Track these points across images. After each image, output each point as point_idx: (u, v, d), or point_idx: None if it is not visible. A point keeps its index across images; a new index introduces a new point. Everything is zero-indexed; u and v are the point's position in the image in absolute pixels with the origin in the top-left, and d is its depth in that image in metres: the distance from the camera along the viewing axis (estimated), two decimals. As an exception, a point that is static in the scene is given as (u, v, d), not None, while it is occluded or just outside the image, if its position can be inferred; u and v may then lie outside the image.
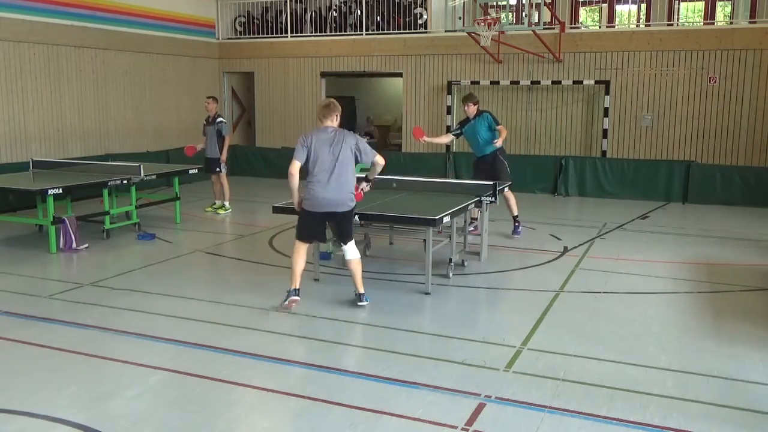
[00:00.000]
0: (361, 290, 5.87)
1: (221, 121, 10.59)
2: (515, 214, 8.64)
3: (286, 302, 5.67)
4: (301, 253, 5.81)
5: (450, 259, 6.86)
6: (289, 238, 8.72)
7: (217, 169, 10.51)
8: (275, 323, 5.41)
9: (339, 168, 5.61)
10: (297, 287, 5.75)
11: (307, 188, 5.69)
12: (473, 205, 7.90)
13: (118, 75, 13.32)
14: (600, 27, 14.48)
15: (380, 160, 5.85)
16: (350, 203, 5.76)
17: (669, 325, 5.51)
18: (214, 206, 10.78)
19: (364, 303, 5.84)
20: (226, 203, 10.70)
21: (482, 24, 11.64)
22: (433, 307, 6.03)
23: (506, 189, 8.17)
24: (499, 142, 8.32)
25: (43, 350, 4.86)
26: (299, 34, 15.58)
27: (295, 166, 5.64)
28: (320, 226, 5.88)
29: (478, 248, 7.64)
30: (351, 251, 5.90)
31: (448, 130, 14.24)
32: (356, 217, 6.21)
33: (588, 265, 7.44)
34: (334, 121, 5.74)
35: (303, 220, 5.82)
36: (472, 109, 8.53)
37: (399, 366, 4.57)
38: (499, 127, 8.40)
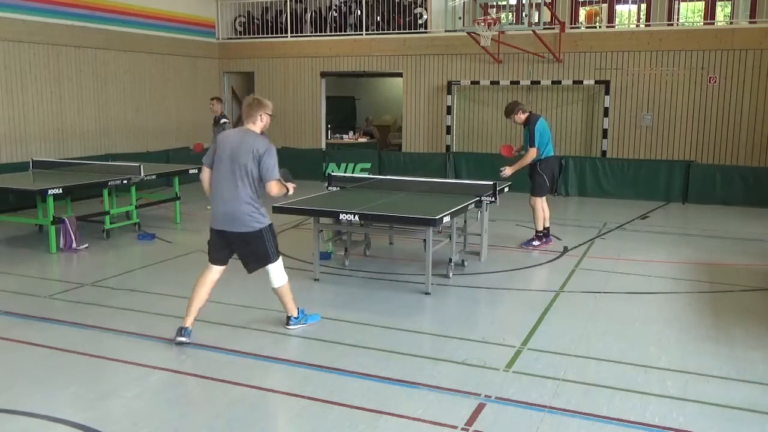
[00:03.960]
0: (293, 312, 5.25)
1: (225, 122, 10.58)
2: (538, 229, 8.23)
3: (174, 338, 4.93)
4: (203, 277, 5.01)
5: (450, 259, 6.86)
6: (289, 237, 8.73)
7: None
8: (275, 323, 5.40)
9: (236, 177, 4.75)
10: (186, 326, 4.94)
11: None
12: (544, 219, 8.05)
13: (118, 75, 13.32)
14: (600, 27, 14.47)
15: (272, 189, 4.80)
16: (249, 222, 4.82)
17: (669, 325, 5.51)
18: None
19: (293, 326, 5.25)
20: None
21: (482, 24, 11.65)
22: (433, 307, 6.03)
23: (536, 201, 8.09)
24: (506, 172, 7.93)
25: (43, 350, 4.86)
26: (299, 34, 15.58)
27: (204, 173, 4.97)
28: (221, 246, 4.96)
29: (478, 248, 7.64)
30: (273, 276, 5.07)
31: (448, 130, 14.32)
32: (356, 216, 6.20)
33: (588, 265, 7.44)
34: (255, 122, 4.90)
35: (210, 236, 5.05)
36: (519, 118, 8.07)
37: (399, 366, 4.57)
38: (530, 150, 7.93)
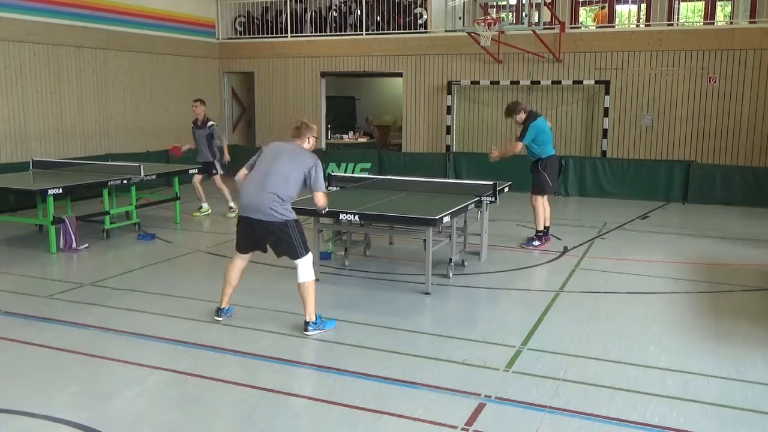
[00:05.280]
0: (311, 317, 5.21)
1: (212, 125, 10.44)
2: (539, 229, 8.26)
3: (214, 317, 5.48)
4: (232, 264, 5.44)
5: (450, 259, 6.86)
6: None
7: (214, 171, 10.33)
8: (275, 323, 5.41)
9: (272, 175, 5.07)
10: (222, 306, 5.47)
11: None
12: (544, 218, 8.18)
13: (118, 75, 13.32)
14: (600, 27, 14.48)
15: (319, 200, 5.24)
16: (276, 214, 5.05)
17: (669, 325, 5.51)
18: (201, 210, 10.45)
19: (312, 331, 5.18)
20: (204, 204, 10.42)
21: (482, 24, 11.66)
22: (433, 307, 6.03)
23: (537, 199, 8.16)
24: (494, 153, 8.14)
25: (43, 350, 4.86)
26: (299, 34, 15.58)
27: (240, 172, 5.34)
28: (250, 234, 5.23)
29: (478, 248, 7.64)
30: (300, 272, 5.18)
31: (448, 130, 14.32)
32: (356, 216, 6.20)
33: (588, 265, 7.44)
34: (303, 143, 5.37)
35: (237, 225, 5.35)
36: (520, 118, 8.10)
37: (399, 366, 4.57)
38: (516, 143, 8.11)
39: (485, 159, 13.06)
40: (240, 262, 5.41)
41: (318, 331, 5.21)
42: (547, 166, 8.16)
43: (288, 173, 5.10)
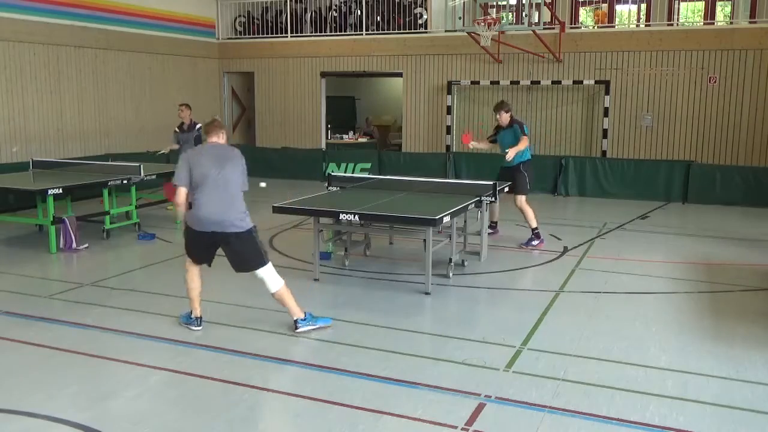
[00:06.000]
0: (299, 315, 5.19)
1: (200, 126, 10.52)
2: (534, 226, 8.31)
3: (186, 325, 5.34)
4: (190, 272, 5.28)
5: (450, 259, 6.86)
6: (289, 237, 8.74)
7: None
8: (275, 323, 5.40)
9: (230, 187, 5.02)
10: (200, 314, 5.30)
11: (193, 205, 5.08)
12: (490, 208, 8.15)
13: (118, 75, 13.33)
14: (600, 27, 14.48)
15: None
16: (240, 223, 5.01)
17: (669, 325, 5.51)
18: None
19: (303, 328, 5.17)
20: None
21: (482, 24, 11.66)
22: (433, 307, 6.03)
23: (521, 200, 8.21)
24: (510, 154, 7.99)
25: (43, 350, 4.86)
26: (299, 34, 15.58)
27: (182, 194, 5.05)
28: (206, 245, 5.16)
29: (478, 248, 7.64)
30: (269, 281, 5.12)
31: (448, 130, 14.32)
32: (356, 216, 6.20)
33: (588, 265, 7.44)
34: (220, 138, 5.24)
35: (189, 238, 5.18)
36: (504, 118, 8.29)
37: (399, 366, 4.57)
38: (522, 138, 8.10)
39: (485, 159, 13.16)
40: (197, 269, 5.28)
41: (309, 327, 5.19)
42: (528, 168, 8.38)
43: (238, 179, 5.09)
